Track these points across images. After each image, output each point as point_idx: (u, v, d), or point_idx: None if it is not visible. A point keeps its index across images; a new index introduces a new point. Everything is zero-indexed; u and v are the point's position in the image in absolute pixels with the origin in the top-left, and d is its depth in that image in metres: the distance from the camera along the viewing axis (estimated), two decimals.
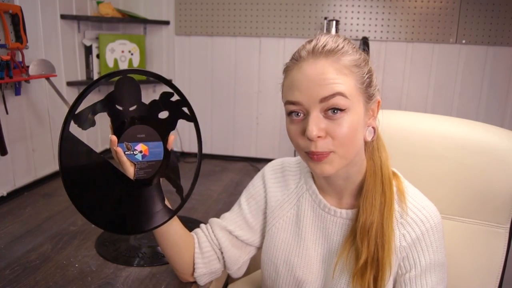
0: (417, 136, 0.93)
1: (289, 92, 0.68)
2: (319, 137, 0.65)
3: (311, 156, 0.67)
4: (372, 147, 0.75)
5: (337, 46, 0.67)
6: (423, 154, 0.91)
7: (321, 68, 0.65)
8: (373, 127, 0.72)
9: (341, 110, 0.65)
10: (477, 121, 0.95)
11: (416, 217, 0.72)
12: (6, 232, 1.16)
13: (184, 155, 2.07)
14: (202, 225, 0.93)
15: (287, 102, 0.69)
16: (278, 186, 0.86)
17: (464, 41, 1.75)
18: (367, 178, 0.73)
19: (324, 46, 0.66)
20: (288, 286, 0.83)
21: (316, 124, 0.65)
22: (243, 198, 0.90)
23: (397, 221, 0.72)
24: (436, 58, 1.80)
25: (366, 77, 0.68)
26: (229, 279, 1.16)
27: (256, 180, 0.90)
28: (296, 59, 0.69)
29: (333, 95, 0.64)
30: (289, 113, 0.69)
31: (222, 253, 0.86)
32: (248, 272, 1.16)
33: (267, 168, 0.90)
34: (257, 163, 1.98)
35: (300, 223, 0.82)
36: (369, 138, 0.71)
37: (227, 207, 1.40)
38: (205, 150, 2.09)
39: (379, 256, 0.70)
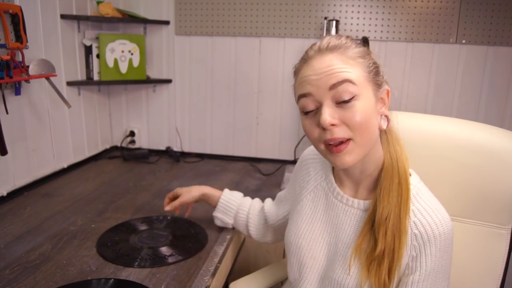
0: (419, 137, 0.93)
1: (300, 87, 0.73)
2: (333, 125, 0.68)
3: (330, 149, 0.71)
4: (387, 141, 0.77)
5: (341, 42, 0.71)
6: (425, 155, 0.91)
7: (328, 61, 0.69)
8: (386, 116, 0.75)
9: (352, 98, 0.68)
10: (477, 121, 0.94)
11: (431, 219, 0.72)
12: (6, 232, 1.16)
13: (184, 155, 2.07)
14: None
15: (300, 96, 0.73)
16: (303, 172, 0.93)
17: (464, 41, 1.75)
18: (385, 170, 0.75)
19: (329, 43, 0.71)
20: (293, 268, 0.88)
21: (329, 112, 0.68)
22: (287, 191, 1.01)
23: (411, 219, 0.73)
24: (436, 58, 1.80)
25: (372, 67, 0.72)
26: (229, 279, 1.16)
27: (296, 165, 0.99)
28: (304, 59, 0.74)
29: (342, 82, 0.67)
30: (303, 110, 0.73)
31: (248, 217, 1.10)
32: (248, 271, 1.16)
33: (300, 158, 0.98)
34: (257, 163, 1.98)
35: (314, 208, 0.86)
36: (384, 126, 0.74)
37: None
38: (205, 150, 2.09)
39: (395, 246, 0.71)
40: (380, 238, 0.72)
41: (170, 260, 1.03)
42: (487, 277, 0.87)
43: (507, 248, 0.86)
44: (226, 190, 1.17)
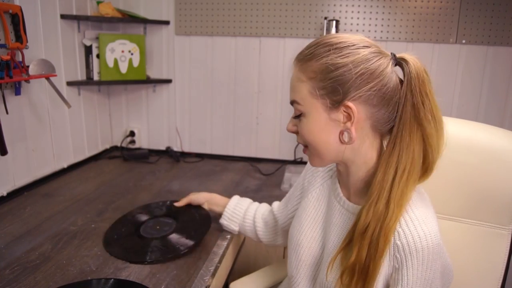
0: None
1: None
2: (294, 132, 0.78)
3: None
4: (389, 153, 0.70)
5: (311, 51, 0.72)
6: None
7: (293, 75, 0.76)
8: (348, 130, 0.71)
9: (299, 115, 0.75)
10: (477, 121, 0.94)
11: (415, 231, 0.67)
12: (6, 232, 1.16)
13: (184, 155, 2.07)
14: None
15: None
16: (312, 169, 0.95)
17: (464, 41, 1.75)
18: (376, 181, 0.71)
19: (302, 51, 0.75)
20: (292, 263, 0.89)
21: (291, 120, 0.78)
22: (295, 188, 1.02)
23: (395, 229, 0.68)
24: (436, 58, 1.80)
25: (328, 85, 0.69)
26: (229, 279, 1.16)
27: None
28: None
29: (292, 102, 0.76)
30: None
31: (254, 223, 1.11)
32: (248, 271, 1.16)
33: None
34: (257, 163, 1.98)
35: (317, 205, 0.88)
36: (345, 140, 0.72)
37: None
38: (205, 150, 2.09)
39: (369, 266, 0.68)
40: (354, 250, 0.70)
41: (182, 248, 1.04)
42: (488, 277, 0.87)
43: (508, 248, 0.86)
44: (235, 197, 1.18)
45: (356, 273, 0.69)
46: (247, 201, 1.18)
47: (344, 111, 0.70)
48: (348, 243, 0.73)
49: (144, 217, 1.21)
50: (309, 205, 0.89)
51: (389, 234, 0.67)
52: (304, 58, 0.73)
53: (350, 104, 0.69)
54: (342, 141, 0.72)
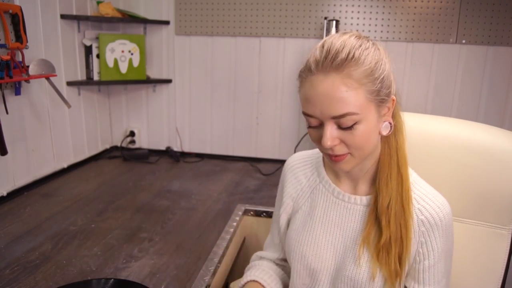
0: (419, 138, 0.93)
1: (304, 105, 0.70)
2: (334, 144, 0.69)
3: (329, 158, 0.73)
4: (393, 132, 0.76)
5: (348, 56, 0.66)
6: (425, 155, 0.91)
7: (331, 84, 0.65)
8: (389, 122, 0.74)
9: (354, 124, 0.67)
10: (477, 121, 0.94)
11: (433, 204, 0.74)
12: (6, 232, 1.16)
13: (184, 155, 2.07)
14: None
15: (304, 113, 0.72)
16: (290, 184, 0.90)
17: (464, 41, 1.75)
18: (382, 161, 0.76)
19: (335, 57, 0.66)
20: (301, 275, 0.85)
21: (330, 136, 0.68)
22: (275, 212, 0.93)
23: (414, 206, 0.74)
24: (436, 58, 1.80)
25: (377, 83, 0.68)
26: (229, 279, 1.16)
27: (279, 186, 0.94)
28: (309, 69, 0.69)
29: (344, 115, 0.66)
30: (307, 123, 0.73)
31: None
32: None
33: (283, 170, 0.93)
34: (257, 163, 1.98)
35: (312, 213, 0.85)
36: (384, 133, 0.73)
37: (227, 207, 1.41)
38: (205, 150, 2.09)
39: (402, 234, 0.72)
40: (384, 227, 0.73)
41: None
42: (488, 277, 0.87)
43: (508, 248, 0.86)
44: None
45: (392, 246, 0.73)
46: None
47: (387, 106, 0.73)
48: (371, 228, 0.76)
49: None
50: (304, 216, 0.86)
51: (409, 200, 0.73)
52: (344, 64, 0.65)
53: (394, 97, 0.73)
54: (380, 133, 0.74)
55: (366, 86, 0.67)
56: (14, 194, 1.43)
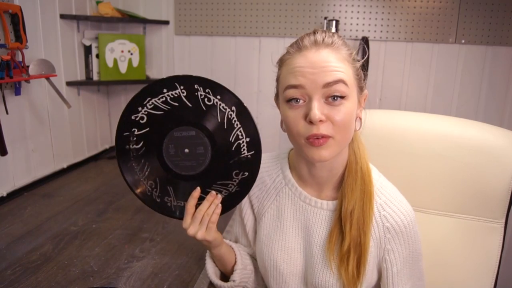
0: (414, 136, 0.94)
1: (291, 77, 0.70)
2: (320, 121, 0.67)
3: (311, 141, 0.69)
4: (352, 140, 0.78)
5: (334, 39, 0.72)
6: (420, 153, 0.92)
7: (325, 56, 0.69)
8: (360, 118, 0.76)
9: (341, 97, 0.68)
10: (476, 120, 0.96)
11: (398, 211, 0.75)
12: (6, 233, 1.15)
13: None
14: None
15: (289, 87, 0.70)
16: (255, 185, 0.83)
17: (463, 41, 1.76)
18: (348, 168, 0.77)
19: (324, 38, 0.71)
20: (275, 279, 0.84)
21: (320, 108, 0.67)
22: (237, 211, 0.92)
23: (379, 213, 0.75)
24: (435, 58, 1.81)
25: (359, 71, 0.73)
26: None
27: None
28: (298, 47, 0.72)
29: (337, 82, 0.67)
30: (289, 100, 0.70)
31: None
32: None
33: None
34: None
35: (281, 217, 0.83)
36: (357, 128, 0.76)
37: None
38: None
39: (361, 240, 0.73)
40: (346, 232, 0.74)
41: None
42: (482, 270, 0.89)
43: (501, 242, 0.88)
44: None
45: (351, 252, 0.73)
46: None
47: (361, 99, 0.75)
48: (336, 234, 0.76)
49: None
50: (272, 219, 0.84)
51: (371, 206, 0.74)
52: (332, 42, 0.70)
53: (367, 92, 0.76)
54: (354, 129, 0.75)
55: (352, 64, 0.71)
56: (14, 194, 1.42)
